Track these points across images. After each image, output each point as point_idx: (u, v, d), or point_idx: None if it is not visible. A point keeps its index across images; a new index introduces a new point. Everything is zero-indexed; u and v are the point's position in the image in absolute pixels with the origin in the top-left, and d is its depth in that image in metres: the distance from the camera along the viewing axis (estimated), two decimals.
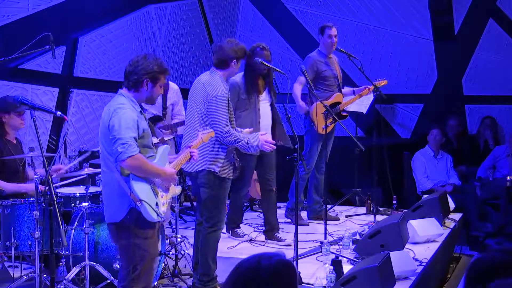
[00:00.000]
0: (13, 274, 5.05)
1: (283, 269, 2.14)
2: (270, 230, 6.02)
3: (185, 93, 6.27)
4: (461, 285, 2.25)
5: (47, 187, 3.94)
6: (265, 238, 6.01)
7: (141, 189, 3.74)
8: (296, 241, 4.88)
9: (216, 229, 4.88)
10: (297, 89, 6.50)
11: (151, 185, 3.81)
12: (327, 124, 6.14)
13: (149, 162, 3.79)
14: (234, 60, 4.79)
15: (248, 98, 5.69)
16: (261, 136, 4.92)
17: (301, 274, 4.80)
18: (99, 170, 5.08)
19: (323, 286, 4.47)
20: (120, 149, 3.65)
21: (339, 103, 6.58)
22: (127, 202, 3.75)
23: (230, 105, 4.80)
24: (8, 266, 5.09)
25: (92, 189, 5.11)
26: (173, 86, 6.30)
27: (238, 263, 2.19)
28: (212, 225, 4.86)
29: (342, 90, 6.70)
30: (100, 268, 4.71)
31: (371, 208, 6.84)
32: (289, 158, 4.99)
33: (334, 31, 6.52)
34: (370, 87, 6.73)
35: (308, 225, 6.57)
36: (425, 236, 5.68)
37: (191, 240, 5.80)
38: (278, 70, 5.42)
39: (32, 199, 4.70)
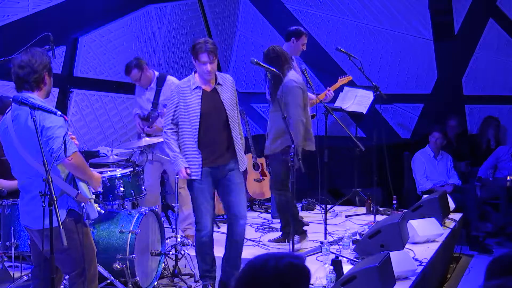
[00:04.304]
0: (13, 274, 5.05)
1: (291, 273, 2.05)
2: None
3: None
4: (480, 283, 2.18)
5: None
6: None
7: (85, 189, 3.74)
8: (293, 241, 4.88)
9: (198, 231, 4.82)
10: None
11: (86, 184, 3.80)
12: None
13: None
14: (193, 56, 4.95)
15: (271, 99, 5.73)
16: (185, 167, 4.73)
17: None
18: (98, 170, 5.10)
19: (323, 286, 4.47)
20: (63, 146, 3.52)
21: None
22: (65, 204, 3.71)
23: (183, 101, 4.84)
24: (8, 266, 5.09)
25: (92, 189, 5.09)
26: (168, 80, 6.10)
27: (250, 260, 2.13)
28: (195, 226, 4.88)
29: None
30: (100, 268, 4.70)
31: (371, 208, 6.84)
32: (285, 158, 4.98)
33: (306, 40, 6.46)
34: (329, 88, 6.92)
35: (308, 224, 6.56)
36: (425, 236, 5.68)
37: (191, 240, 5.81)
38: (273, 70, 5.32)
39: None
